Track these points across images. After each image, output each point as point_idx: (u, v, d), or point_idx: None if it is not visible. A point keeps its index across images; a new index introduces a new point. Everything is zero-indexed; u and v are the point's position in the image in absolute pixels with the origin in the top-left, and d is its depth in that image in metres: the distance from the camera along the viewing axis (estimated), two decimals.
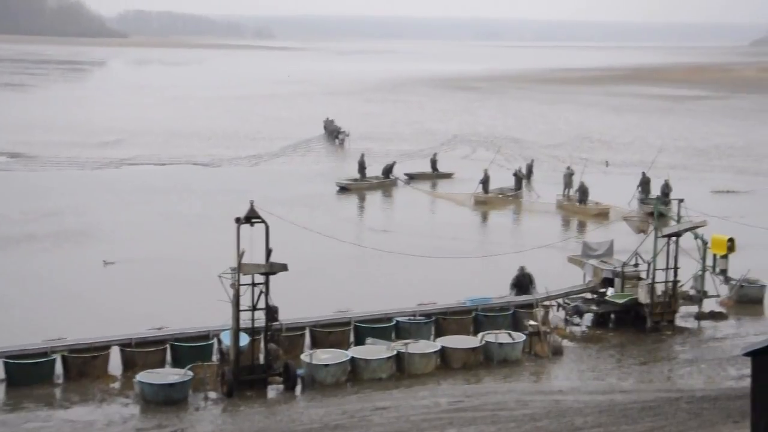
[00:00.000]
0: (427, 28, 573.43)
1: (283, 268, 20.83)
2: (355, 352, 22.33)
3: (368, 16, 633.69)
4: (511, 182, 47.64)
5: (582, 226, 40.63)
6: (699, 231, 26.44)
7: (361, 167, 50.28)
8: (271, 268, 20.72)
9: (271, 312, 20.95)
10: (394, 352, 22.06)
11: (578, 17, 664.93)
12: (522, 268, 27.36)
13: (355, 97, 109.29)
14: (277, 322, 21.57)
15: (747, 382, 13.44)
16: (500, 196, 46.18)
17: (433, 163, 53.53)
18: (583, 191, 43.27)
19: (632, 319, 25.78)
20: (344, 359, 21.70)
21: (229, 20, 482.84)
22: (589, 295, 26.90)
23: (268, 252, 20.71)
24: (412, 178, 51.65)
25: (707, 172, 55.18)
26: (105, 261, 32.12)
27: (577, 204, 43.39)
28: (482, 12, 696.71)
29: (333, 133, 69.01)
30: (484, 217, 43.60)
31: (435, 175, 52.60)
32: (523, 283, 27.05)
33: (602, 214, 41.46)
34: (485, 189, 46.08)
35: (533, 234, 37.00)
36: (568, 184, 45.83)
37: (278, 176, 52.44)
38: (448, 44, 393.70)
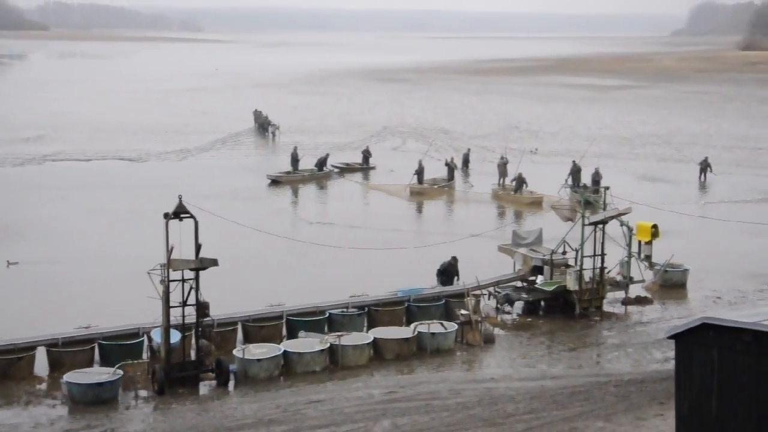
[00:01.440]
0: (355, 20, 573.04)
1: (214, 263, 20.62)
2: (288, 345, 22.24)
3: (296, 7, 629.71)
4: (443, 172, 47.99)
5: (515, 215, 41.09)
6: (624, 218, 26.96)
7: (294, 160, 50.06)
8: (201, 264, 20.49)
9: (202, 308, 20.71)
10: (327, 345, 22.04)
11: (505, 8, 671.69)
12: (453, 258, 27.55)
13: (284, 89, 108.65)
14: (209, 318, 21.35)
15: (671, 365, 13.78)
16: (435, 186, 46.49)
17: (366, 155, 53.54)
18: (520, 181, 43.88)
19: (561, 306, 26.18)
20: (277, 353, 21.60)
21: (155, 12, 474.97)
22: (519, 284, 27.25)
23: (198, 247, 20.48)
24: (341, 170, 51.61)
25: (632, 160, 56.31)
26: (8, 261, 31.11)
27: (512, 193, 43.97)
28: (410, 3, 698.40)
29: (263, 126, 68.57)
30: (420, 208, 43.81)
31: (362, 167, 52.62)
32: (450, 272, 27.23)
33: (536, 203, 42.01)
34: (420, 180, 46.33)
35: (467, 223, 37.27)
36: (503, 173, 46.39)
37: (208, 170, 51.86)
38: (377, 36, 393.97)
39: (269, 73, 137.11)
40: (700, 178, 49.37)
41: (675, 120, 77.21)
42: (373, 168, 52.82)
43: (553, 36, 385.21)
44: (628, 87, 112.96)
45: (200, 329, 21.13)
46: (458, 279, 26.99)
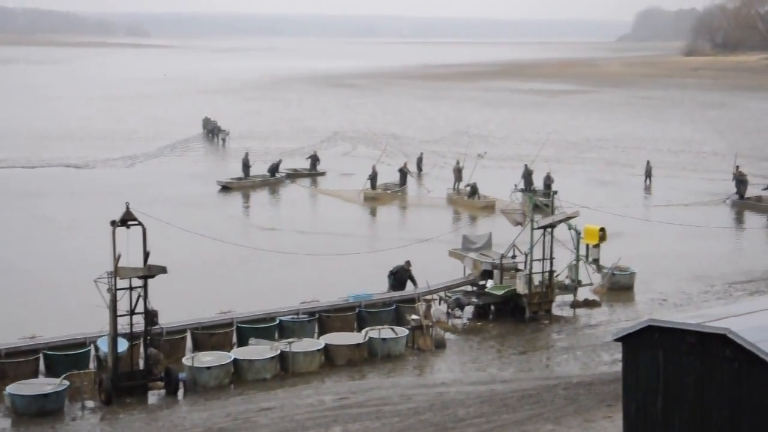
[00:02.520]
0: (304, 26, 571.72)
1: (162, 270, 20.38)
2: (238, 353, 22.07)
3: (245, 13, 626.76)
4: (395, 178, 48.12)
5: (466, 219, 41.30)
6: (572, 222, 27.25)
7: (245, 166, 49.79)
8: (150, 271, 20.24)
9: (151, 316, 20.47)
10: (278, 352, 21.92)
11: (454, 14, 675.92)
12: (407, 263, 27.54)
13: (233, 95, 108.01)
14: (157, 326, 21.09)
15: (619, 367, 13.95)
16: (388, 191, 46.59)
17: (314, 160, 53.42)
18: (473, 189, 44.16)
19: (511, 310, 26.36)
20: (227, 361, 21.42)
21: (100, 17, 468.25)
22: (469, 288, 27.38)
23: (146, 254, 20.24)
24: (288, 176, 51.45)
25: (579, 164, 56.98)
26: None
27: (466, 198, 44.25)
28: (359, 9, 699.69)
29: (212, 132, 68.09)
30: (374, 213, 43.84)
31: (311, 173, 52.49)
32: (401, 275, 27.24)
33: (489, 207, 42.26)
34: (373, 185, 46.40)
35: (420, 228, 37.33)
36: (458, 178, 46.68)
37: (156, 177, 51.33)
38: (326, 41, 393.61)
39: (218, 79, 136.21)
40: (645, 181, 50.12)
41: (621, 124, 78.33)
42: (322, 173, 52.73)
43: (501, 41, 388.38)
44: (575, 92, 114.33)
45: (149, 338, 20.86)
46: (415, 285, 26.96)
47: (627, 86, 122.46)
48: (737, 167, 47.37)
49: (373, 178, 46.45)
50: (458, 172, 46.98)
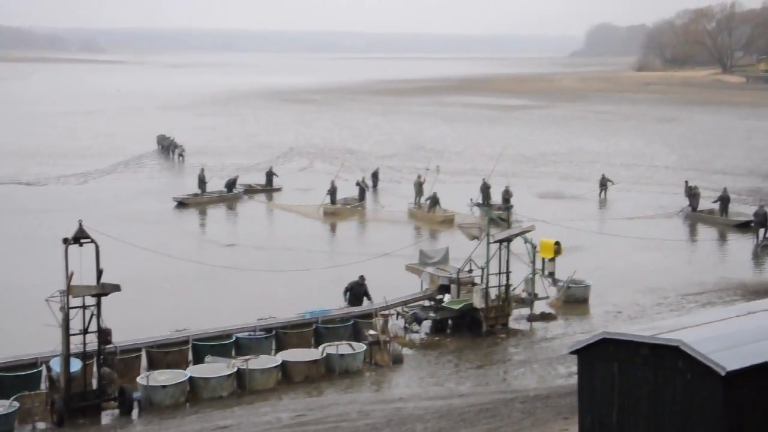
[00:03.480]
0: (260, 41, 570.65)
1: (116, 288, 20.12)
2: (194, 371, 21.85)
3: (200, 29, 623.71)
4: (354, 192, 48.16)
5: (424, 234, 41.40)
6: (528, 235, 27.44)
7: (201, 182, 49.43)
8: (103, 289, 19.97)
9: (104, 335, 20.18)
10: (235, 369, 21.74)
11: (408, 30, 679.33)
12: (361, 277, 27.51)
13: (188, 110, 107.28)
14: (111, 345, 20.80)
15: (575, 379, 14.04)
16: (347, 206, 46.58)
17: (269, 176, 53.21)
18: (434, 200, 44.36)
19: (468, 324, 26.43)
20: (182, 379, 21.19)
21: (52, 33, 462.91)
22: (426, 303, 27.43)
23: (99, 272, 19.96)
24: (247, 192, 51.22)
25: (534, 178, 57.44)
26: None
27: (427, 210, 44.41)
28: (315, 24, 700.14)
29: (168, 148, 67.56)
30: (333, 228, 43.76)
31: (266, 189, 52.30)
32: (356, 291, 27.20)
33: (448, 221, 42.39)
34: (333, 200, 46.35)
35: (380, 243, 37.26)
36: (419, 192, 46.85)
37: (110, 194, 50.72)
38: (282, 56, 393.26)
39: (173, 95, 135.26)
40: (600, 195, 50.68)
41: (575, 139, 79.17)
42: (278, 189, 52.56)
43: (456, 57, 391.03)
44: (529, 107, 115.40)
45: (102, 357, 20.57)
46: (369, 299, 26.91)
47: (580, 101, 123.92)
48: (687, 181, 48.14)
49: (332, 192, 46.42)
50: (419, 187, 47.18)
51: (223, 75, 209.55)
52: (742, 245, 39.11)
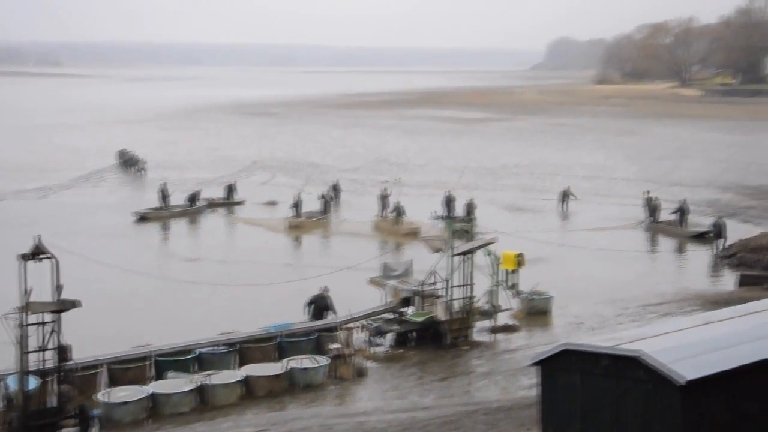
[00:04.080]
0: (221, 54, 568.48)
1: (75, 304, 19.86)
2: (156, 387, 21.62)
3: (160, 42, 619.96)
4: (318, 205, 48.12)
5: (387, 246, 41.42)
6: (490, 248, 27.57)
7: (163, 196, 49.08)
8: (62, 305, 19.71)
9: (63, 351, 19.90)
10: (197, 385, 21.55)
11: (371, 43, 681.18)
12: (324, 289, 27.42)
13: (149, 124, 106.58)
14: (70, 362, 20.51)
15: (537, 391, 14.10)
16: (312, 219, 46.52)
17: (230, 189, 52.95)
18: (399, 212, 44.43)
19: (432, 337, 26.45)
20: (143, 395, 20.96)
21: (8, 46, 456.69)
22: (390, 315, 27.42)
23: (59, 288, 19.70)
24: (210, 205, 50.97)
25: (497, 190, 57.77)
26: None
27: (393, 222, 44.51)
28: (278, 38, 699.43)
29: (128, 162, 67.03)
30: (298, 241, 43.64)
31: (227, 202, 52.06)
32: (319, 303, 27.11)
33: (413, 233, 42.48)
34: (297, 213, 46.27)
35: (345, 256, 37.16)
36: (384, 205, 46.92)
37: (70, 208, 50.15)
38: (244, 70, 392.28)
39: (134, 108, 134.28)
40: (560, 207, 51.09)
41: (537, 151, 79.80)
42: (240, 203, 52.32)
43: (418, 70, 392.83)
44: (491, 119, 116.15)
45: (61, 374, 20.28)
46: (333, 312, 26.81)
47: (541, 114, 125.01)
48: (647, 192, 48.74)
49: (296, 205, 46.37)
50: (384, 199, 47.30)
51: (185, 88, 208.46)
52: (700, 256, 39.62)
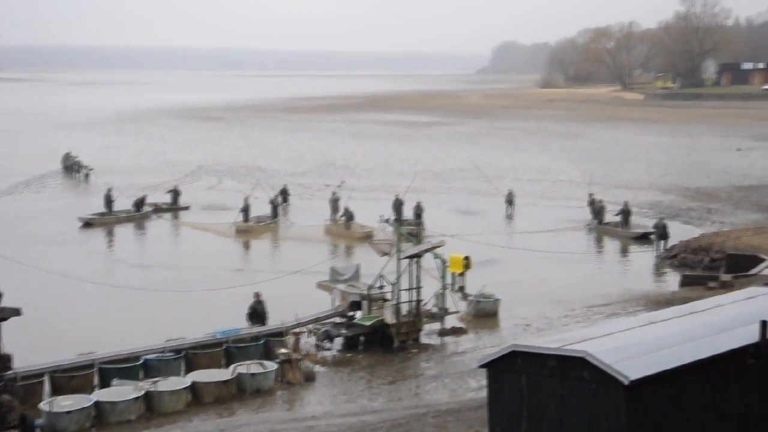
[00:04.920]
0: (164, 58, 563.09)
1: (15, 312, 19.52)
2: (100, 395, 21.31)
3: (103, 46, 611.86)
4: (266, 210, 47.90)
5: (340, 250, 41.37)
6: (438, 251, 27.69)
7: (108, 201, 48.43)
8: (2, 314, 19.34)
9: (3, 360, 19.52)
10: (142, 392, 21.29)
11: (317, 47, 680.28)
12: (256, 294, 27.23)
13: (92, 129, 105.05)
14: (11, 371, 20.12)
15: (485, 392, 14.19)
16: (260, 224, 46.28)
17: (174, 194, 52.41)
18: (348, 216, 44.38)
19: (380, 340, 26.49)
20: (88, 404, 20.63)
21: None
22: (338, 320, 27.39)
23: None
24: (156, 211, 50.43)
25: (444, 193, 58.05)
26: None
27: (344, 228, 44.45)
28: (222, 42, 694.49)
29: (72, 168, 65.98)
30: (246, 246, 43.33)
31: (173, 207, 51.53)
32: (260, 309, 26.95)
33: (367, 237, 42.46)
34: (246, 217, 45.98)
35: (295, 260, 36.99)
36: (335, 209, 46.85)
37: (10, 215, 49.18)
38: (188, 74, 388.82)
39: (75, 113, 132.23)
40: (507, 210, 51.52)
41: (483, 154, 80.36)
42: (186, 208, 51.82)
43: (364, 74, 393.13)
44: (438, 123, 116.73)
45: (2, 383, 19.87)
46: (266, 317, 26.63)
47: (487, 117, 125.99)
48: (591, 194, 49.41)
49: (245, 210, 46.10)
50: (334, 203, 47.27)
51: (127, 93, 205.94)
52: (644, 257, 40.27)
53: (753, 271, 33.87)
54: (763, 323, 13.80)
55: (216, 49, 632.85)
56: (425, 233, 40.10)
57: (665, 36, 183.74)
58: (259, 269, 36.25)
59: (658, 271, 37.98)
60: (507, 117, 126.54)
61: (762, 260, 35.02)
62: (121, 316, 29.92)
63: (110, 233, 45.57)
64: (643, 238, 43.23)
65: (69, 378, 22.43)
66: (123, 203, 49.57)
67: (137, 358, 23.58)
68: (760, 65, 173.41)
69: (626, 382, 11.95)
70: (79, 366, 22.88)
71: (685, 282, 34.20)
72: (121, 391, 21.44)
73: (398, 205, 46.79)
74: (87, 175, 63.43)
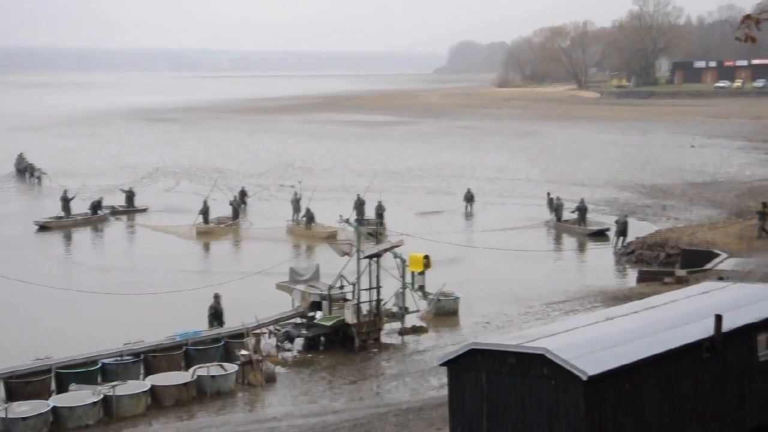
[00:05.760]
0: (119, 59, 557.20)
1: None
2: (58, 400, 21.04)
3: (54, 47, 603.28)
4: (227, 211, 47.64)
5: (302, 250, 41.26)
6: (397, 250, 27.75)
7: (65, 204, 47.80)
8: None
9: None
10: (101, 396, 21.07)
11: (274, 48, 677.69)
12: (215, 295, 27.08)
13: (46, 131, 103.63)
14: None
15: (446, 390, 14.27)
16: (221, 225, 46.02)
17: (129, 196, 51.89)
18: (309, 216, 44.30)
19: (341, 340, 26.49)
20: (45, 410, 20.37)
21: None
22: (298, 320, 27.33)
23: None
24: (114, 213, 49.94)
25: (403, 193, 58.16)
26: None
27: (305, 227, 44.36)
28: (178, 43, 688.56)
29: (26, 170, 65.02)
30: (207, 248, 43.04)
31: (129, 210, 51.02)
32: (219, 309, 26.79)
33: (331, 237, 42.36)
34: (206, 219, 45.70)
35: (256, 261, 36.75)
36: (296, 209, 46.73)
37: None
38: (144, 75, 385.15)
39: (28, 115, 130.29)
40: (466, 208, 51.76)
41: (441, 154, 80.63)
42: (143, 210, 51.34)
43: (322, 74, 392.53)
44: (396, 123, 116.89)
45: None
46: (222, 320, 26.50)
47: (445, 117, 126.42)
48: (549, 192, 49.83)
49: (205, 212, 45.82)
50: (296, 203, 47.19)
51: (83, 94, 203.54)
52: (601, 254, 40.71)
53: (707, 266, 34.41)
54: (718, 317, 14.05)
55: (171, 49, 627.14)
56: (387, 233, 40.17)
57: (619, 35, 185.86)
58: (220, 271, 36.03)
59: (616, 268, 38.42)
60: (465, 116, 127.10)
61: (716, 255, 35.60)
62: (79, 319, 29.58)
63: (68, 237, 45.01)
64: (598, 235, 43.71)
65: (25, 383, 22.12)
66: (79, 206, 48.96)
67: (95, 362, 23.33)
68: (712, 64, 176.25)
69: (584, 378, 12.11)
70: (35, 371, 22.58)
71: (642, 278, 34.64)
72: (79, 396, 21.19)
73: (360, 205, 46.80)
74: (39, 179, 62.56)
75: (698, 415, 13.99)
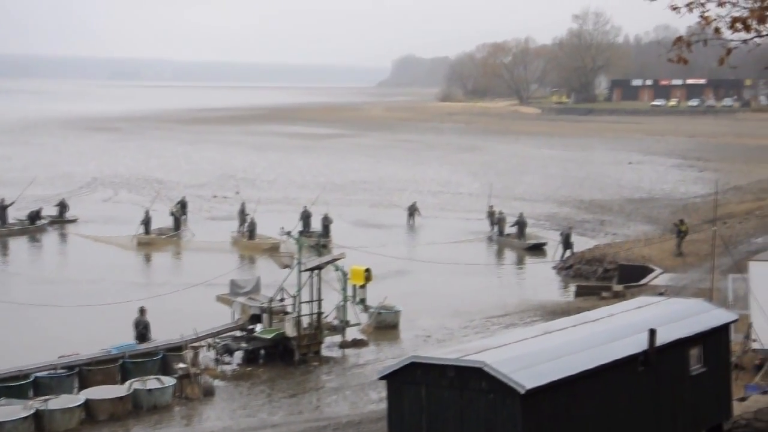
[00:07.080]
0: (56, 67, 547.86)
1: None
2: None
3: None
4: (168, 222, 47.11)
5: (245, 262, 40.90)
6: (339, 263, 27.70)
7: (1, 213, 46.78)
8: None
9: None
10: (32, 411, 20.59)
11: (215, 58, 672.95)
12: (141, 310, 26.66)
13: None
14: None
15: (386, 404, 14.25)
16: (162, 236, 45.47)
17: (62, 207, 50.96)
18: (251, 227, 44.00)
19: (281, 353, 26.33)
20: None
21: None
22: (238, 333, 27.09)
23: None
24: (53, 223, 49.05)
25: (345, 206, 58.11)
26: None
27: (248, 240, 44.01)
28: (117, 51, 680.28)
29: None
30: (148, 259, 42.44)
31: (63, 220, 50.11)
32: (147, 323, 26.37)
33: (274, 249, 42.09)
34: (147, 230, 45.11)
35: (198, 272, 36.21)
36: (242, 220, 46.41)
37: None
38: (82, 84, 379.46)
39: None
40: (408, 222, 51.92)
41: (384, 167, 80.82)
42: (74, 220, 50.42)
43: (264, 86, 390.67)
44: (339, 135, 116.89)
45: None
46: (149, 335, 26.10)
47: (388, 130, 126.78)
48: (491, 206, 50.27)
49: (146, 223, 45.23)
50: (242, 214, 46.90)
51: (19, 102, 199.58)
52: (541, 268, 41.15)
53: (643, 281, 35.05)
54: (651, 332, 14.28)
55: (111, 58, 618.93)
56: (332, 245, 40.11)
57: (560, 52, 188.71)
58: (160, 282, 35.58)
59: (555, 282, 38.86)
60: (408, 130, 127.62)
61: (651, 270, 36.26)
62: (11, 332, 28.91)
63: (3, 246, 44.03)
64: (535, 249, 44.23)
65: None
66: (15, 216, 47.96)
67: (27, 375, 22.82)
68: (648, 82, 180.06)
69: (522, 392, 12.18)
70: None
71: (580, 292, 35.11)
72: (9, 411, 20.69)
73: (306, 217, 46.66)
74: None
75: (633, 428, 14.18)
